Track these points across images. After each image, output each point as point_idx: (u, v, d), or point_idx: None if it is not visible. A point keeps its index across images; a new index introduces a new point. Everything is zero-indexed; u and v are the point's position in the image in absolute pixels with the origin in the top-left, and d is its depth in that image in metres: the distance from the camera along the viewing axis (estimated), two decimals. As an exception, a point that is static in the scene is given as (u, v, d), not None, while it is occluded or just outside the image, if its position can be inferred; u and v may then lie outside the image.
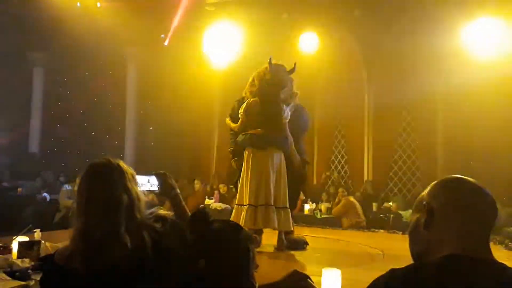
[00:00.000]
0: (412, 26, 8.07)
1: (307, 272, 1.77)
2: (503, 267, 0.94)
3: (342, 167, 10.05)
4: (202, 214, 1.43)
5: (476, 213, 1.01)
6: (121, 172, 1.46)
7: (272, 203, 4.38)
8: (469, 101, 8.32)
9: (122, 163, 1.50)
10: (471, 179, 1.06)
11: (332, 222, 7.25)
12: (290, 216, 4.55)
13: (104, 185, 1.42)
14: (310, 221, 7.20)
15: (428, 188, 1.10)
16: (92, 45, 8.99)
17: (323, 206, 7.86)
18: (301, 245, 4.60)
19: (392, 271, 0.97)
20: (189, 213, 1.71)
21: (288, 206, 4.52)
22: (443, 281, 0.90)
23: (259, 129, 4.54)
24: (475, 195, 1.03)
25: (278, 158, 4.52)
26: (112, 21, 8.37)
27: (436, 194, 1.05)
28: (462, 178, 1.07)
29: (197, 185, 8.88)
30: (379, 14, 8.54)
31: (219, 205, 8.15)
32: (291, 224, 4.58)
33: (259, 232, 4.52)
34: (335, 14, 8.80)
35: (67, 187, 7.19)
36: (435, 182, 1.09)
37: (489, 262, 0.95)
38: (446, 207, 1.02)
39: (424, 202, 1.05)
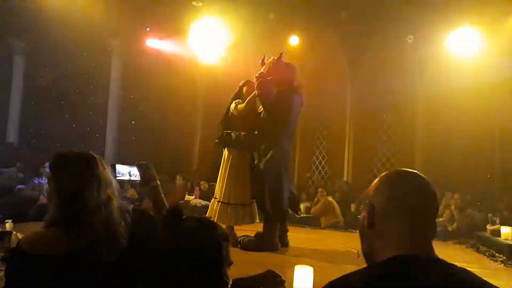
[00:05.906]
0: (396, 31, 8.19)
1: (280, 269, 1.80)
2: (450, 265, 0.91)
3: (323, 168, 10.15)
4: (175, 211, 1.43)
5: (417, 210, 0.98)
6: (91, 162, 1.43)
7: (221, 199, 4.48)
8: (448, 106, 8.51)
9: (91, 153, 1.46)
10: (413, 171, 1.04)
11: (310, 221, 7.34)
12: (234, 213, 4.42)
13: (70, 176, 1.40)
14: (289, 219, 7.23)
15: (372, 185, 1.06)
16: (76, 35, 8.82)
17: (302, 206, 7.91)
18: (260, 247, 4.30)
19: (346, 277, 0.92)
20: (168, 207, 1.71)
21: (233, 202, 4.42)
22: (394, 284, 0.87)
23: None
24: (416, 191, 0.99)
25: (234, 156, 4.56)
26: (99, 12, 8.24)
27: (377, 192, 1.02)
28: (404, 172, 1.04)
29: (179, 181, 8.82)
30: (365, 17, 8.63)
31: (199, 202, 8.12)
32: (231, 221, 4.41)
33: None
34: (322, 16, 8.85)
35: (37, 180, 7.02)
36: (378, 178, 1.07)
37: (435, 260, 0.92)
38: (387, 206, 0.99)
39: (367, 201, 1.03)
